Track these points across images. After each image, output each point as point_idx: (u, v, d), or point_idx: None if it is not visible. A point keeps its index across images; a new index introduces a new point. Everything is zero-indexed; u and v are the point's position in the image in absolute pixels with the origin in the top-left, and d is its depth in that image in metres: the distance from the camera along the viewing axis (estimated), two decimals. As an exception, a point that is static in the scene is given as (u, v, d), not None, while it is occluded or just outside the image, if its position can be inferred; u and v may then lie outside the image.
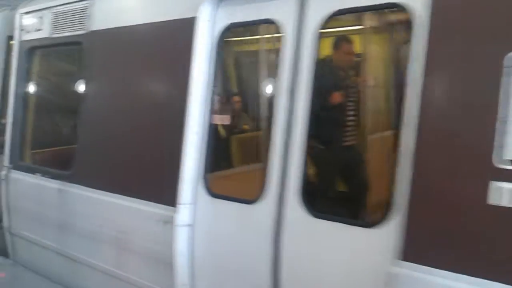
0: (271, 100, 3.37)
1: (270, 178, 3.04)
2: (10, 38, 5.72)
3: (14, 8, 5.88)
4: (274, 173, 3.02)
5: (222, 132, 4.61)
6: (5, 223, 5.18)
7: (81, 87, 4.27)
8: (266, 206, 3.05)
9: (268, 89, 4.52)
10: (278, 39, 3.15)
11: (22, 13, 5.11)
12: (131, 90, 3.88)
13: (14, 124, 5.06)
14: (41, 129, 5.32)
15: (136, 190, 3.72)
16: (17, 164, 5.01)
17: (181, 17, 3.54)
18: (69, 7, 4.50)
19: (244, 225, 3.20)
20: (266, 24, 3.46)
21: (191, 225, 3.44)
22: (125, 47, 3.95)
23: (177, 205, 3.42)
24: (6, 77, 5.75)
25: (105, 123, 4.05)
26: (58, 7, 4.63)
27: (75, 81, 5.39)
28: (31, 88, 5.12)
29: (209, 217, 3.39)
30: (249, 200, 3.16)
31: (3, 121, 5.69)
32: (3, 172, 5.11)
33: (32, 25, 4.95)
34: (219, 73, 3.53)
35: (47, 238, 4.60)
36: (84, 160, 4.20)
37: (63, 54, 5.23)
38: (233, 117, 4.84)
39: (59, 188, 4.35)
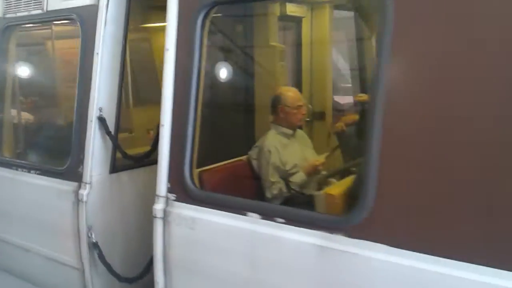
0: None
1: None
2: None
3: None
4: None
5: None
6: (159, 285, 3.26)
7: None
8: None
9: None
10: None
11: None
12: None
13: (177, 128, 3.11)
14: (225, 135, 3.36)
15: None
16: (189, 193, 3.07)
17: None
18: None
19: None
20: None
21: None
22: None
23: None
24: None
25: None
26: None
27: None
28: (208, 70, 3.16)
29: None
30: None
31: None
32: (159, 207, 3.17)
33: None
34: None
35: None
36: (397, 197, 2.25)
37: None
38: None
39: (320, 245, 2.47)
